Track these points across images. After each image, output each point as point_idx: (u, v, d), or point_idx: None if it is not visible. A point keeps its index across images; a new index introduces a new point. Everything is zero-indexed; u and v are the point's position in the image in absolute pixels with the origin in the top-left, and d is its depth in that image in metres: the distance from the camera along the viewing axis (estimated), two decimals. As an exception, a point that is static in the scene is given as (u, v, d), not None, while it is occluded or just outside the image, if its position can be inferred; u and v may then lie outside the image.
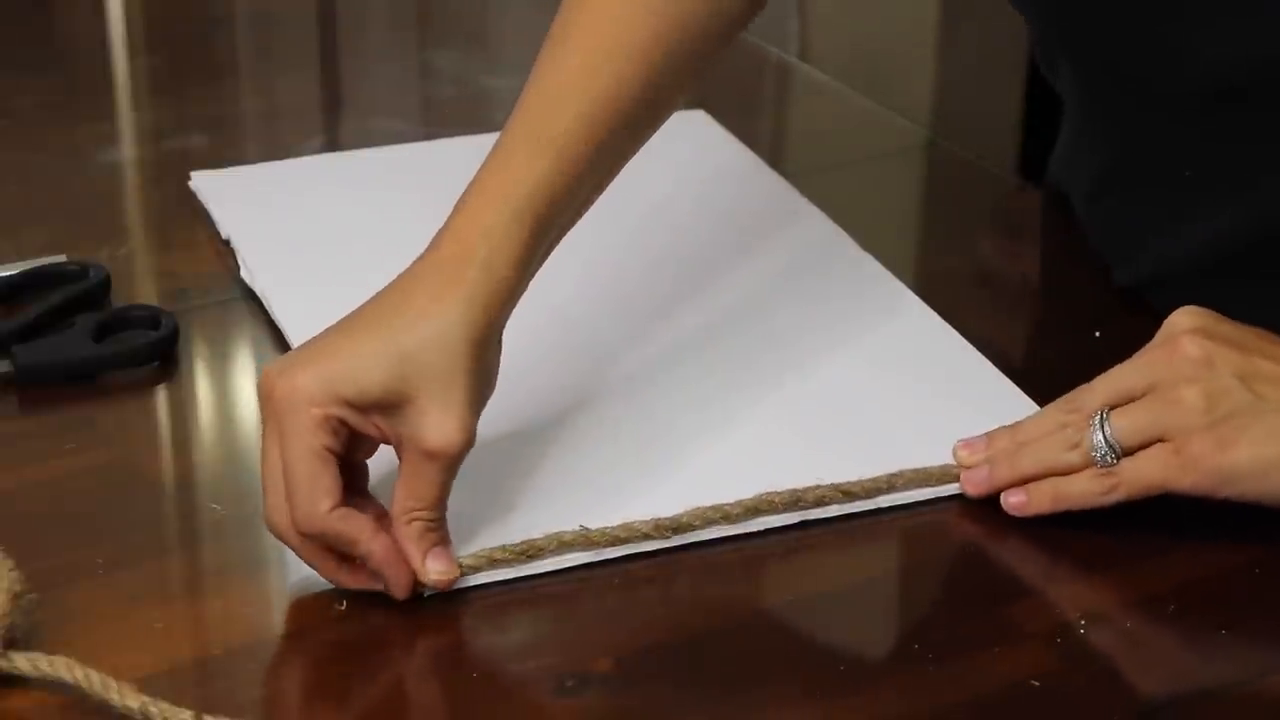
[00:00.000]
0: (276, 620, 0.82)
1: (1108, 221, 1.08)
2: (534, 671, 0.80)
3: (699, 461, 0.90)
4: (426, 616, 0.81)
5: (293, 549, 0.82)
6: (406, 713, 0.79)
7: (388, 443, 0.82)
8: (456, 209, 0.86)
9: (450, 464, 0.81)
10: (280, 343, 1.00)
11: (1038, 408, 0.91)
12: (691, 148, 1.20)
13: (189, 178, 1.16)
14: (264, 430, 0.82)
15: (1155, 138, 1.01)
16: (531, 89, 0.90)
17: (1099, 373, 0.88)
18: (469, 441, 0.82)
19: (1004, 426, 0.89)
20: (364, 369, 0.81)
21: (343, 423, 0.81)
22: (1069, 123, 1.11)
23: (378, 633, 0.81)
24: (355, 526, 0.80)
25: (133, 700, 0.74)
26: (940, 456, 0.89)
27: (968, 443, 0.89)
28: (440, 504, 0.82)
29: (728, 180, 1.17)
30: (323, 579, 0.82)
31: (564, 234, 0.89)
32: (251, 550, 0.86)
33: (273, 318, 1.02)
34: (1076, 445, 0.86)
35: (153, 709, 0.74)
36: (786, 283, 1.06)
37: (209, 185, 1.15)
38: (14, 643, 0.76)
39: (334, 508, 0.80)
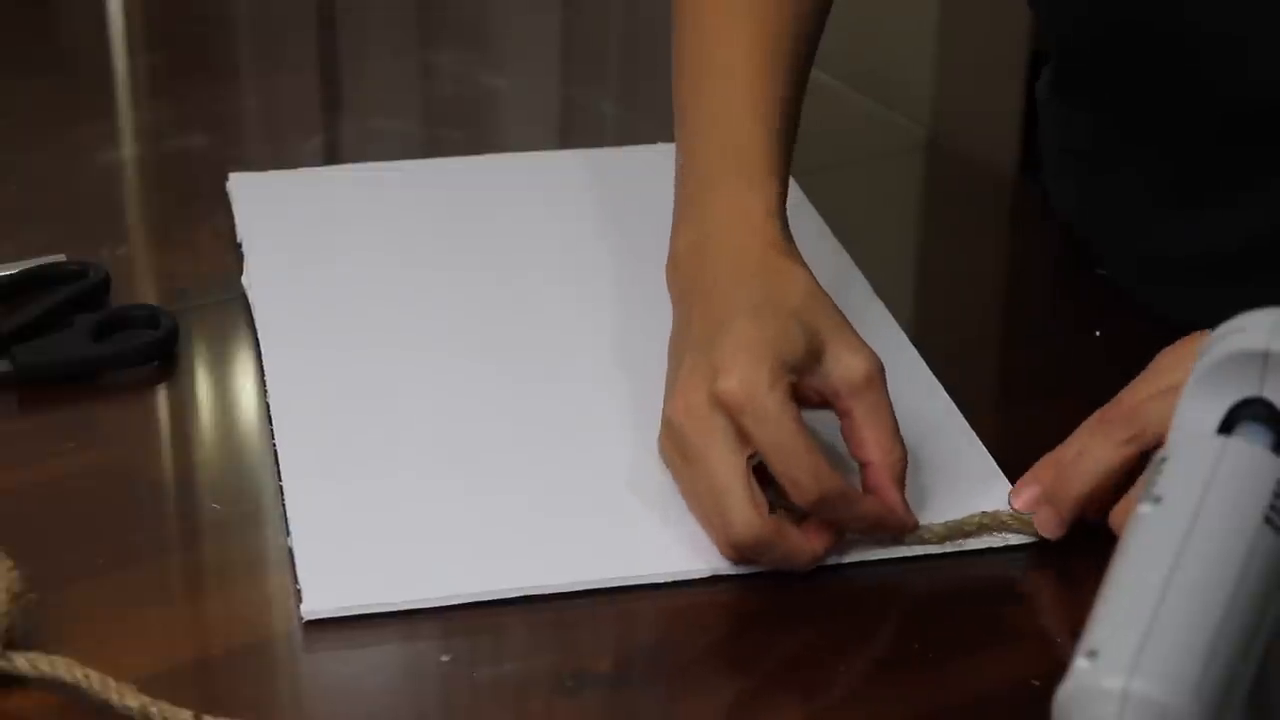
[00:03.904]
0: (276, 620, 0.82)
1: (1103, 215, 1.08)
2: (534, 671, 0.80)
3: (659, 507, 0.87)
4: (426, 616, 0.81)
5: (762, 546, 0.81)
6: (407, 712, 0.79)
7: (821, 405, 0.85)
8: (723, 218, 0.91)
9: (885, 386, 0.85)
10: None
11: (1008, 482, 0.88)
12: None
13: (192, 177, 1.16)
14: (704, 446, 0.82)
15: (1195, 151, 1.01)
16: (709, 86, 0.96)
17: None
18: (882, 364, 0.85)
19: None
20: (784, 336, 0.83)
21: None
22: (1087, 141, 1.11)
23: (376, 633, 0.81)
24: (846, 483, 0.83)
25: (133, 700, 0.74)
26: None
27: (1019, 492, 0.87)
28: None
29: None
30: (336, 610, 0.81)
31: None
32: (251, 550, 0.86)
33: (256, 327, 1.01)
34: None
35: (153, 709, 0.74)
36: None
37: (243, 187, 1.15)
38: (14, 643, 0.76)
39: (831, 467, 0.82)
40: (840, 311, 0.87)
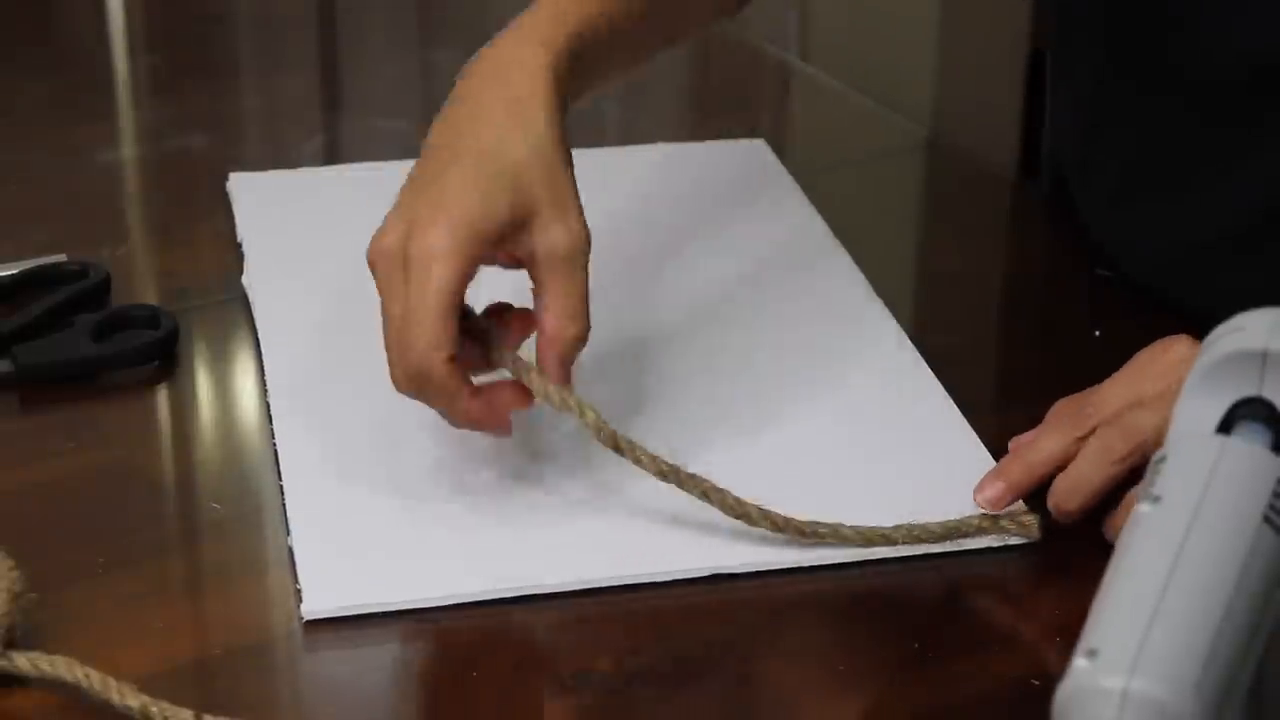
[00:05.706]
0: (276, 620, 0.82)
1: (1122, 212, 1.08)
2: (534, 671, 0.80)
3: (657, 506, 0.87)
4: (427, 616, 0.81)
5: (424, 381, 0.83)
6: (407, 712, 0.79)
7: (518, 266, 0.85)
8: (501, 40, 0.90)
9: (585, 263, 0.84)
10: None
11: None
12: (735, 178, 1.17)
13: (192, 177, 1.16)
14: (387, 290, 0.82)
15: (1181, 125, 1.01)
16: None
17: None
18: (589, 237, 0.84)
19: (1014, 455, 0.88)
20: (488, 200, 0.83)
21: (475, 264, 0.82)
22: (1080, 114, 1.11)
23: (376, 633, 0.81)
24: (457, 382, 0.82)
25: (133, 700, 0.74)
26: (880, 512, 0.86)
27: (985, 487, 0.87)
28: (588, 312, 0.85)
29: (759, 213, 1.13)
30: (336, 610, 0.81)
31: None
32: (251, 550, 0.87)
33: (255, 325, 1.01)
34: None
35: (153, 709, 0.74)
36: (785, 323, 1.02)
37: (243, 187, 1.15)
38: (14, 643, 0.77)
39: (449, 359, 0.82)
40: (568, 176, 0.85)
